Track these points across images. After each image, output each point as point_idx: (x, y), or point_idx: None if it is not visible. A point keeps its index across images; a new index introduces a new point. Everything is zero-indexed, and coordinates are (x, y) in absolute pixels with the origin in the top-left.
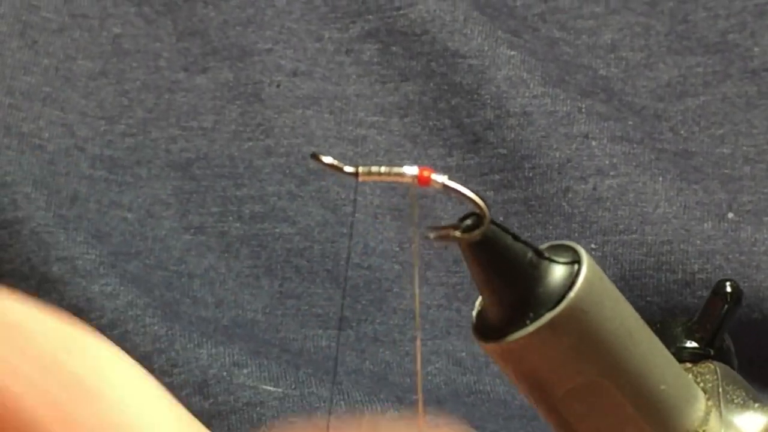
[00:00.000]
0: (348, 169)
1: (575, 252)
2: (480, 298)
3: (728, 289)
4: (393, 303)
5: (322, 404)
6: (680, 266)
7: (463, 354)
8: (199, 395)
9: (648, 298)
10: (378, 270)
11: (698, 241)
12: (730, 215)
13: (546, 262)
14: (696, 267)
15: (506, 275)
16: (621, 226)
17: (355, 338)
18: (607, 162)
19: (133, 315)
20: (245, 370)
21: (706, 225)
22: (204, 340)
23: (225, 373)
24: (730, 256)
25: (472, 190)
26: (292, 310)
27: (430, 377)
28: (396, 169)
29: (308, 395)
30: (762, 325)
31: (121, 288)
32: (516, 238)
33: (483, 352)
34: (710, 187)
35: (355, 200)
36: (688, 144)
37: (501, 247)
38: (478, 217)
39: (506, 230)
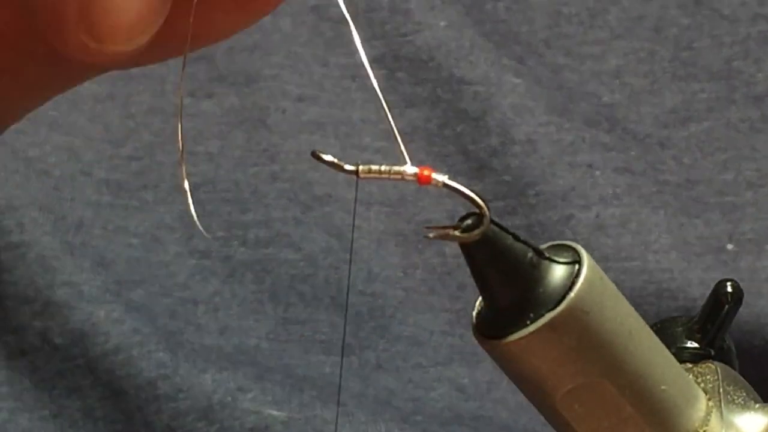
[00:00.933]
0: (348, 167)
1: (575, 252)
2: (480, 298)
3: (729, 289)
4: (396, 330)
5: (327, 427)
6: (681, 294)
7: (466, 381)
8: (204, 420)
9: (648, 323)
10: (381, 296)
11: (698, 271)
12: (729, 246)
13: (546, 262)
14: (696, 295)
15: (506, 275)
16: (623, 254)
17: (358, 365)
18: (610, 192)
19: (138, 341)
20: (249, 395)
21: (706, 257)
22: (208, 365)
23: (229, 398)
24: None
25: (474, 190)
26: (296, 336)
27: (432, 403)
28: (396, 168)
29: (313, 418)
30: (763, 352)
31: (126, 315)
32: (516, 237)
33: (486, 379)
34: (711, 220)
35: (355, 201)
36: (690, 172)
37: (501, 246)
38: (478, 216)
39: (506, 230)
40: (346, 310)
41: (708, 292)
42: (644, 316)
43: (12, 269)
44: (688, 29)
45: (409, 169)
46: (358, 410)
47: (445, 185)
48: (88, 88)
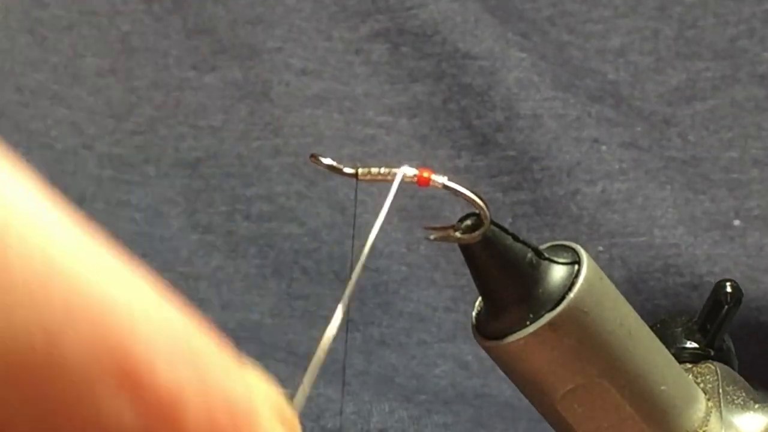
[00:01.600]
0: (347, 170)
1: (575, 252)
2: (480, 299)
3: (728, 290)
4: (400, 305)
5: (331, 405)
6: (688, 269)
7: (470, 357)
8: None
9: (655, 301)
10: (385, 272)
11: (705, 246)
12: (737, 222)
13: (546, 263)
14: (703, 270)
15: (506, 276)
16: (629, 229)
17: (362, 340)
18: (616, 167)
19: None
20: None
21: (712, 232)
22: None
23: None
24: (737, 260)
25: (474, 192)
26: (299, 311)
27: (436, 379)
28: (395, 170)
29: (316, 397)
30: None
31: None
32: (516, 238)
33: None
34: (717, 196)
35: (355, 201)
36: (696, 150)
37: (501, 247)
38: (478, 217)
39: (506, 231)
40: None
41: (715, 269)
42: (651, 292)
43: None
44: (692, 8)
45: (409, 170)
46: (362, 389)
47: (445, 186)
48: (90, 62)
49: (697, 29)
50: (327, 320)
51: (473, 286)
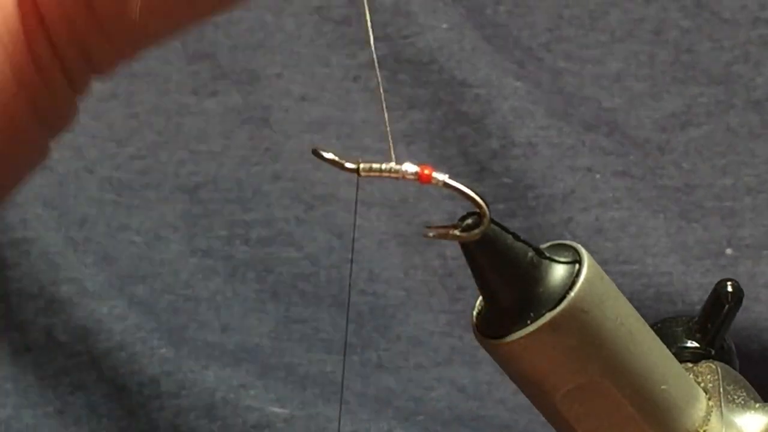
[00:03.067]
0: (349, 165)
1: (576, 251)
2: (480, 298)
3: (729, 289)
4: (397, 329)
5: (329, 425)
6: (680, 297)
7: (466, 381)
8: (206, 418)
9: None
10: (383, 296)
11: (697, 275)
12: (729, 251)
13: (546, 262)
14: (695, 299)
15: (506, 275)
16: (622, 257)
17: (359, 364)
18: (610, 195)
19: (141, 337)
20: (252, 392)
21: (705, 261)
22: (210, 362)
23: (232, 395)
24: None
25: (474, 189)
26: (297, 334)
27: (433, 403)
28: (396, 167)
29: (315, 416)
30: (761, 356)
31: (129, 311)
32: (516, 237)
33: (486, 380)
34: (710, 225)
35: (356, 200)
36: (690, 177)
37: (501, 246)
38: (478, 216)
39: (506, 230)
40: (348, 311)
41: (706, 297)
42: (643, 319)
43: (16, 266)
44: (688, 32)
45: (410, 167)
46: (360, 409)
47: (446, 184)
48: (93, 86)
49: (692, 54)
50: (324, 344)
51: (468, 312)
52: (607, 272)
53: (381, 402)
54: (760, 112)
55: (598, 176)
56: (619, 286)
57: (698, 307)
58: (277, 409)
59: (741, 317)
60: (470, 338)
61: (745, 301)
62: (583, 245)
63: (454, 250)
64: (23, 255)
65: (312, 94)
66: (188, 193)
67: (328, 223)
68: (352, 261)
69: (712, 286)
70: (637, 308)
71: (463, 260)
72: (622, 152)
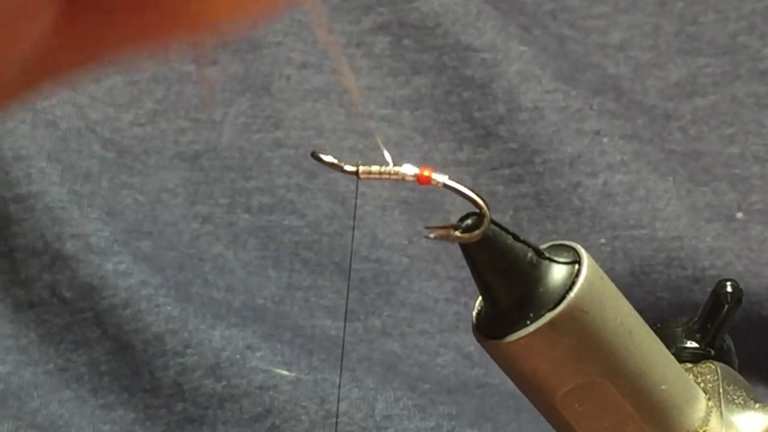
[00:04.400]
0: (348, 167)
1: (575, 252)
2: (480, 298)
3: (729, 289)
4: (401, 296)
5: (335, 390)
6: (690, 262)
7: (472, 348)
8: (211, 377)
9: (658, 294)
10: (386, 263)
11: (708, 239)
12: (739, 215)
13: (546, 262)
14: (706, 263)
15: (506, 275)
16: (631, 222)
17: (363, 330)
18: (618, 158)
19: (146, 294)
20: (258, 354)
21: (715, 224)
22: (217, 321)
23: (238, 356)
24: (740, 253)
25: (474, 190)
26: (301, 301)
27: (438, 369)
28: (396, 168)
29: (321, 381)
30: None
31: (134, 267)
32: (516, 238)
33: None
34: (719, 189)
35: (356, 200)
36: (697, 144)
37: (501, 247)
38: (478, 216)
39: (506, 230)
40: (348, 283)
41: (718, 263)
42: (653, 285)
43: (21, 221)
44: (693, 3)
45: (410, 169)
46: (366, 376)
47: (445, 186)
48: None
49: (697, 25)
50: (328, 311)
51: None
52: (616, 238)
53: (386, 368)
54: (766, 83)
55: (605, 140)
56: (629, 252)
57: (708, 272)
58: (284, 371)
59: (752, 283)
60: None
61: (755, 268)
62: (592, 210)
63: (458, 216)
64: (28, 210)
65: (313, 61)
66: (189, 161)
67: (329, 190)
68: (351, 264)
69: (724, 251)
70: (647, 273)
71: None
72: (629, 116)
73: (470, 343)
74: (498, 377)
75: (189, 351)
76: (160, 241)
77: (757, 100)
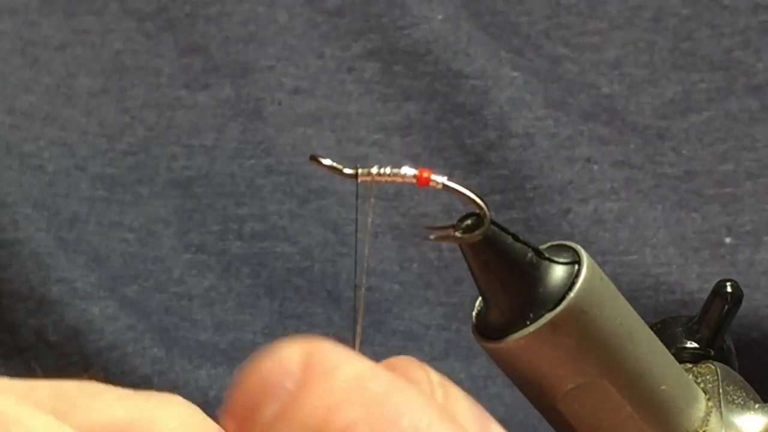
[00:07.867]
0: (347, 170)
1: (575, 252)
2: (480, 298)
3: (728, 289)
4: (392, 324)
5: None
6: (679, 287)
7: (462, 375)
8: None
9: (647, 318)
10: (378, 291)
11: (696, 265)
12: (728, 240)
13: (546, 263)
14: (694, 287)
15: (506, 275)
16: (620, 248)
17: None
18: (608, 186)
19: (133, 337)
20: None
21: (703, 252)
22: (203, 361)
23: (225, 394)
24: (728, 277)
25: (474, 191)
26: (292, 330)
27: None
28: (395, 170)
29: None
30: (761, 345)
31: (121, 311)
32: (516, 238)
33: (482, 374)
34: (710, 213)
35: (356, 200)
36: (690, 164)
37: (501, 247)
38: (478, 217)
39: (506, 230)
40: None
41: (705, 286)
42: (642, 310)
43: (6, 267)
44: (687, 19)
45: (408, 171)
46: None
47: (445, 186)
48: (83, 82)
49: (692, 41)
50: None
51: (465, 303)
52: (606, 263)
53: None
54: (761, 98)
55: (596, 167)
56: (618, 277)
57: (697, 297)
58: None
59: (741, 306)
60: (466, 331)
61: (745, 290)
62: (582, 236)
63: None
64: (14, 256)
65: (305, 86)
66: (181, 188)
67: (322, 217)
68: (356, 266)
69: (711, 276)
70: (636, 299)
71: (458, 252)
72: (621, 141)
73: (460, 371)
74: (487, 405)
75: (176, 392)
76: (148, 283)
77: (750, 114)
